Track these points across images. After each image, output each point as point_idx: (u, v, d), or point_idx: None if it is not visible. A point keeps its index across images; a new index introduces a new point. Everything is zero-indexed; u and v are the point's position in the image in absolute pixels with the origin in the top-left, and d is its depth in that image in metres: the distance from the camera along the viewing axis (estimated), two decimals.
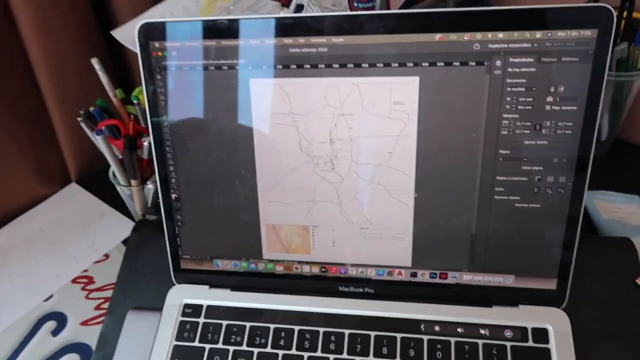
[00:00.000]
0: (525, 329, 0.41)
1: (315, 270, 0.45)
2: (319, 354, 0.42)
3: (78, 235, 0.65)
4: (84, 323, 0.55)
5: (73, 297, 0.57)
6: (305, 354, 0.42)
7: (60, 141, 0.70)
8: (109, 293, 0.57)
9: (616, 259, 0.45)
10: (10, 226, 0.67)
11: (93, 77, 0.56)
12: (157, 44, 0.41)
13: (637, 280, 0.43)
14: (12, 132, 0.65)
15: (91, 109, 0.56)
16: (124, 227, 0.65)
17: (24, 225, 0.67)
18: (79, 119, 0.55)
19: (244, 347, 0.43)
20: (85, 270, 0.61)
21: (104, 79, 0.56)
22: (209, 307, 0.46)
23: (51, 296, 0.58)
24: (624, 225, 0.56)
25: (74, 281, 0.59)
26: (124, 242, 0.63)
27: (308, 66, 0.39)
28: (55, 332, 0.54)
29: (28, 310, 0.57)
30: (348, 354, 0.42)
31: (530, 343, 0.41)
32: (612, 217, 0.58)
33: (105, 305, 0.56)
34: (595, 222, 0.58)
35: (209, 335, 0.44)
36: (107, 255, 0.62)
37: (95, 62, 0.55)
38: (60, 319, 0.56)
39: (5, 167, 0.66)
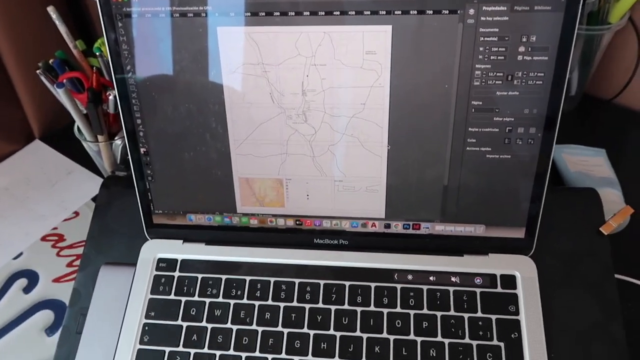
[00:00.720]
0: (494, 275, 0.43)
1: (290, 223, 0.45)
2: (295, 304, 0.43)
3: (45, 193, 0.64)
4: (56, 280, 0.54)
5: (43, 255, 0.57)
6: (282, 304, 0.43)
7: (20, 96, 0.68)
8: (80, 250, 0.57)
9: (581, 209, 0.46)
10: None
11: (51, 27, 0.53)
12: None
13: (600, 229, 0.45)
14: None
15: (50, 61, 0.54)
16: (93, 184, 0.64)
17: None
18: (38, 71, 0.53)
19: (220, 299, 0.43)
20: (55, 228, 0.60)
21: (62, 28, 0.53)
22: (184, 261, 0.46)
23: (21, 254, 0.57)
24: (590, 177, 0.58)
25: (43, 239, 0.58)
26: (94, 199, 0.62)
27: (277, 13, 0.37)
28: (27, 290, 0.54)
29: None
30: (323, 303, 0.43)
31: (499, 289, 0.42)
32: (580, 169, 0.59)
33: (77, 263, 0.55)
34: (563, 175, 0.59)
35: (185, 288, 0.44)
36: (76, 213, 0.61)
37: (51, 11, 0.52)
38: (31, 277, 0.55)
39: None
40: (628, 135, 0.65)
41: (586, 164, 0.61)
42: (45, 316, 0.51)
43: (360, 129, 0.40)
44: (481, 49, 0.37)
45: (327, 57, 0.38)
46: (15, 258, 0.57)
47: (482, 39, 0.37)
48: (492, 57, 0.37)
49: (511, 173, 0.41)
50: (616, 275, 0.48)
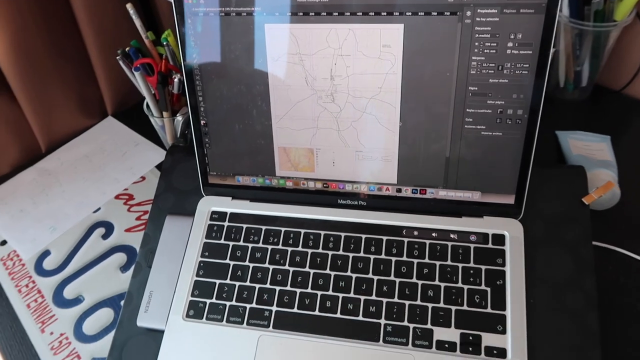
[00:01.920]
0: (486, 234, 0.51)
1: (319, 185, 0.55)
2: (320, 250, 0.52)
3: (117, 161, 0.76)
4: (128, 230, 0.66)
5: (117, 210, 0.69)
6: (309, 250, 0.53)
7: (98, 79, 0.80)
8: (147, 207, 0.68)
9: (568, 182, 0.54)
10: (59, 152, 0.78)
11: (127, 21, 0.64)
12: None
13: (582, 199, 0.52)
14: (59, 72, 0.75)
15: (127, 49, 0.65)
16: (157, 154, 0.76)
17: (70, 152, 0.78)
18: (117, 57, 0.64)
19: (260, 245, 0.54)
20: (126, 189, 0.71)
21: (137, 22, 0.65)
22: (232, 214, 0.56)
23: (99, 209, 0.69)
24: (589, 159, 0.64)
25: (117, 197, 0.70)
26: (157, 167, 0.74)
27: (312, 14, 0.47)
28: (104, 237, 0.66)
29: (80, 219, 0.68)
30: (343, 250, 0.52)
31: (490, 245, 0.50)
32: (581, 153, 0.66)
33: (145, 217, 0.67)
34: (566, 157, 0.66)
35: (232, 235, 0.55)
36: (143, 177, 0.73)
37: (129, 7, 0.63)
38: (108, 227, 0.67)
39: (52, 102, 0.76)
40: (633, 124, 0.71)
41: (589, 148, 0.67)
42: (120, 257, 0.63)
43: (377, 108, 0.49)
44: (476, 44, 0.45)
45: (351, 49, 0.48)
46: (94, 212, 0.69)
47: (477, 35, 0.45)
48: (485, 51, 0.45)
49: (502, 148, 0.49)
50: (598, 243, 0.56)
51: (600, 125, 0.70)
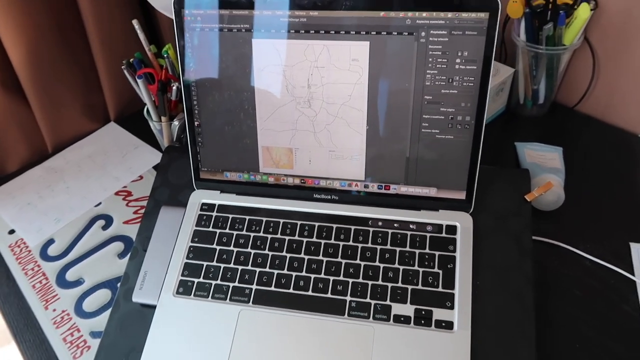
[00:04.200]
0: (441, 225, 0.58)
1: (297, 181, 0.62)
2: (296, 237, 0.60)
3: (117, 161, 0.83)
4: (126, 222, 0.73)
5: (117, 205, 0.76)
6: (287, 237, 0.60)
7: (103, 87, 0.87)
8: (144, 202, 0.75)
9: (514, 183, 0.61)
10: (64, 152, 0.85)
11: (131, 35, 0.72)
12: (186, 11, 0.57)
13: (525, 196, 0.60)
14: (68, 79, 0.82)
15: (131, 60, 0.73)
16: (154, 156, 0.83)
17: (74, 152, 0.85)
18: (122, 67, 0.72)
19: (244, 232, 0.61)
20: (125, 187, 0.79)
21: (141, 36, 0.73)
22: (220, 205, 0.63)
23: (100, 203, 0.76)
24: (540, 166, 0.72)
25: (116, 193, 0.77)
26: (154, 167, 0.81)
27: (293, 31, 0.55)
28: (104, 228, 0.73)
29: (83, 212, 0.75)
30: (316, 238, 0.59)
31: (444, 234, 0.58)
32: (534, 161, 0.74)
33: (142, 212, 0.74)
34: (521, 164, 0.74)
35: (219, 223, 0.62)
36: (141, 176, 0.80)
37: (135, 23, 0.72)
38: (107, 219, 0.74)
39: (61, 107, 0.83)
40: (583, 137, 0.79)
41: (542, 157, 0.75)
42: (118, 246, 0.70)
43: (347, 113, 0.57)
44: (430, 59, 0.53)
45: (325, 62, 0.56)
46: (96, 206, 0.76)
47: (430, 52, 0.53)
48: (437, 66, 0.53)
49: (454, 149, 0.57)
50: (544, 239, 0.64)
51: (555, 138, 0.78)
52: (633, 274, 0.60)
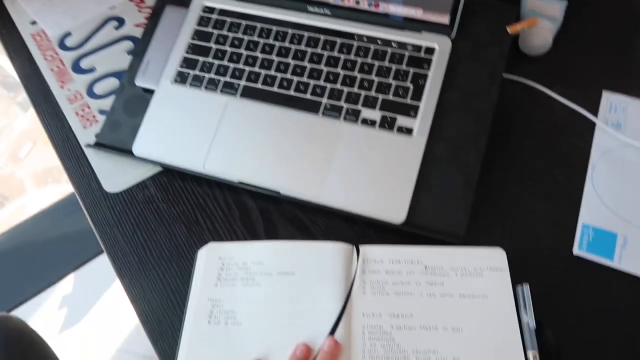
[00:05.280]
0: (420, 46, 0.62)
1: None
2: (286, 44, 0.64)
3: None
4: (137, 25, 0.78)
5: (129, 9, 0.80)
6: (277, 43, 0.64)
7: None
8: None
9: (501, 16, 0.63)
10: None
11: None
12: None
13: (507, 27, 0.62)
14: None
15: None
16: None
17: None
18: None
19: (239, 35, 0.66)
20: None
21: None
22: (221, 10, 0.67)
23: (114, 6, 0.81)
24: (537, 12, 0.72)
25: (130, 0, 0.82)
26: None
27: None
28: (117, 28, 0.78)
29: (98, 13, 0.80)
30: (305, 46, 0.64)
31: (422, 54, 0.61)
32: (534, 8, 0.74)
33: None
34: (521, 7, 0.74)
35: (218, 25, 0.66)
36: None
37: None
38: (120, 21, 0.79)
39: None
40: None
41: (543, 6, 0.76)
42: (128, 44, 0.76)
43: None
44: None
45: None
46: (110, 8, 0.81)
47: None
48: None
49: None
50: (523, 80, 0.67)
51: None
52: (597, 117, 0.64)
